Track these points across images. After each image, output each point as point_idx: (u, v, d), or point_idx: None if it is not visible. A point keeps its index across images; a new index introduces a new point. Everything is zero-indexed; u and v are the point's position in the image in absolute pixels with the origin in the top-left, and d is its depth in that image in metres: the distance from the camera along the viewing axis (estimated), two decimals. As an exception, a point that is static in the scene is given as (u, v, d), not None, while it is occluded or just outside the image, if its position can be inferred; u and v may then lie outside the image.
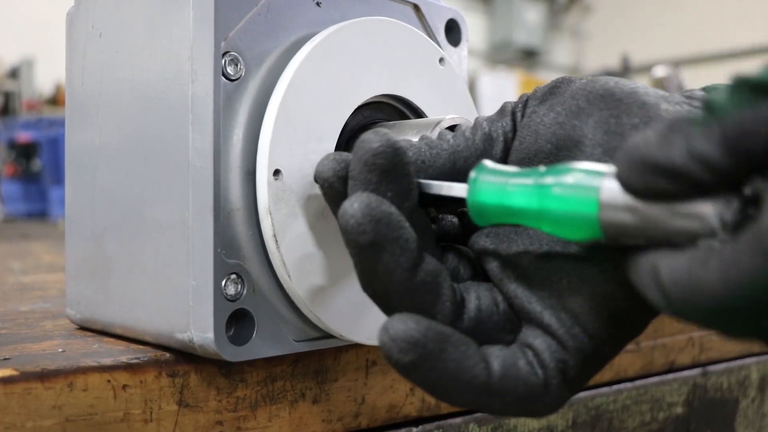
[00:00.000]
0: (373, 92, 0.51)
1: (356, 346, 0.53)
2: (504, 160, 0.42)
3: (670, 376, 0.78)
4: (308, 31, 0.49)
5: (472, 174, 0.38)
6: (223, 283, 0.44)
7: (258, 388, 0.49)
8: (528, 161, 0.41)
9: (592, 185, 0.32)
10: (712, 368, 0.82)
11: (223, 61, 0.45)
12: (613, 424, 0.72)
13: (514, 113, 0.43)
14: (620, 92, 0.39)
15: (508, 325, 0.40)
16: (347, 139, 0.51)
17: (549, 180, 0.34)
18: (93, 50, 0.54)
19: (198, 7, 0.44)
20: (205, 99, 0.44)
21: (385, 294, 0.37)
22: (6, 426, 0.39)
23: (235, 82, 0.45)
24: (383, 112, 0.54)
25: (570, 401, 0.68)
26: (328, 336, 0.50)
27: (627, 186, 0.31)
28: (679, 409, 0.78)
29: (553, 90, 0.42)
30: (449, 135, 0.43)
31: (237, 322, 0.46)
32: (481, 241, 0.41)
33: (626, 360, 0.73)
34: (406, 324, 0.34)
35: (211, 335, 0.44)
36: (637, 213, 0.31)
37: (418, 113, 0.55)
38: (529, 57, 9.08)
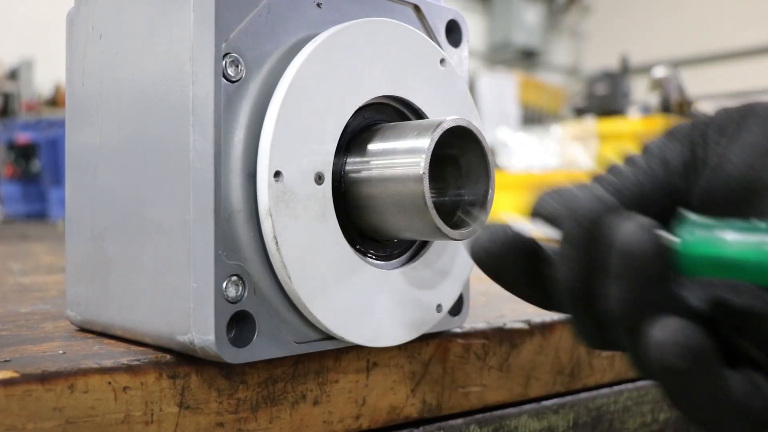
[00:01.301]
0: (374, 93, 0.51)
1: (357, 348, 0.53)
2: (685, 194, 0.41)
3: (671, 377, 0.77)
4: (309, 32, 0.49)
5: (681, 226, 0.37)
6: (224, 284, 0.44)
7: (259, 390, 0.49)
8: (717, 202, 0.40)
9: None
10: (712, 369, 0.82)
11: (224, 62, 0.45)
12: (614, 425, 0.72)
13: (693, 142, 0.42)
14: None
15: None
16: (348, 141, 0.51)
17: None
18: (93, 51, 0.54)
19: (199, 8, 0.44)
20: (205, 100, 0.44)
21: (642, 315, 0.37)
22: (7, 428, 0.39)
23: (236, 83, 0.45)
24: (384, 113, 0.54)
25: (570, 403, 0.68)
26: (329, 337, 0.50)
27: None
28: (679, 410, 0.78)
29: (740, 123, 0.41)
30: (629, 174, 0.41)
31: (238, 323, 0.46)
32: (700, 291, 0.40)
33: (627, 362, 0.72)
34: (689, 330, 0.35)
35: (211, 337, 0.44)
36: None
37: (419, 114, 0.55)
38: (528, 57, 9.08)
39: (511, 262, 0.42)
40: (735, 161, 0.40)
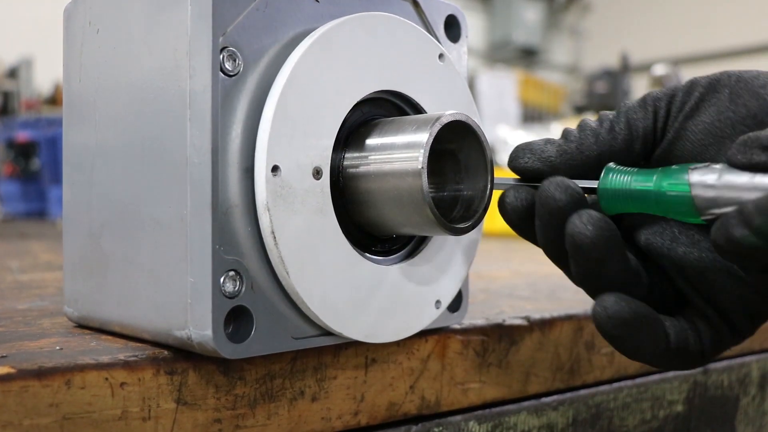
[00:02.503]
0: (372, 88, 0.51)
1: (355, 344, 0.53)
2: (645, 156, 0.49)
3: (671, 373, 0.77)
4: (307, 26, 0.49)
5: (604, 172, 0.47)
6: (222, 280, 0.44)
7: (257, 386, 0.49)
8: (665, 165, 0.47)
9: (686, 171, 0.42)
10: (712, 366, 0.82)
11: (221, 56, 0.44)
12: (614, 422, 0.72)
13: (657, 112, 0.48)
14: (762, 114, 0.44)
15: (676, 300, 0.50)
16: (346, 135, 0.51)
17: (663, 173, 0.44)
18: (90, 46, 0.54)
19: (196, 2, 0.44)
20: (203, 95, 0.44)
21: (599, 284, 0.46)
22: (3, 424, 0.39)
23: (234, 77, 0.45)
24: (382, 108, 0.54)
25: (570, 399, 0.68)
26: (327, 333, 0.50)
27: (733, 163, 0.40)
28: (679, 407, 0.78)
29: (699, 103, 0.46)
30: (591, 135, 0.49)
31: (235, 319, 0.45)
32: (652, 239, 0.49)
33: (627, 358, 0.72)
34: (620, 305, 0.45)
35: (209, 332, 0.43)
36: (723, 186, 0.40)
37: (418, 109, 0.54)
38: (528, 56, 9.08)
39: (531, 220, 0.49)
40: (690, 139, 0.46)
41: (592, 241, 0.44)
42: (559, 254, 0.48)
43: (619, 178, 0.46)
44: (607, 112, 0.50)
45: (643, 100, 0.49)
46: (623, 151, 0.48)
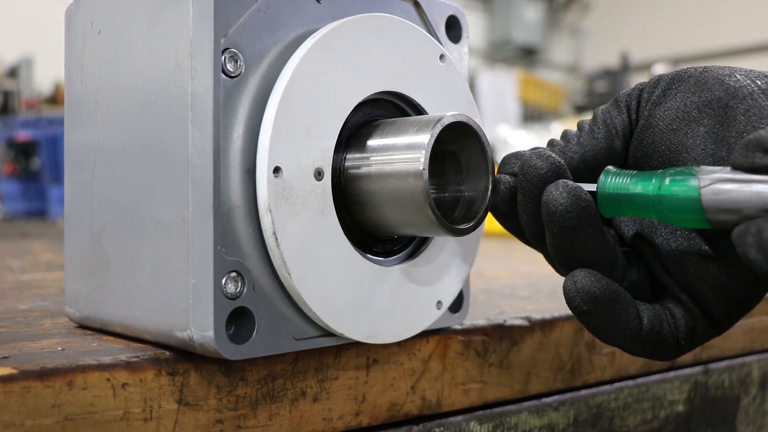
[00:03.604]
0: (374, 89, 0.51)
1: (356, 344, 0.53)
2: (624, 154, 0.50)
3: (672, 373, 0.77)
4: (308, 27, 0.49)
5: (602, 175, 0.47)
6: (223, 281, 0.44)
7: (258, 387, 0.49)
8: (645, 159, 0.48)
9: (693, 175, 0.41)
10: (713, 366, 0.82)
11: (223, 57, 0.44)
12: (615, 422, 0.72)
13: (629, 108, 0.49)
14: (728, 97, 0.45)
15: (653, 288, 0.50)
16: (348, 136, 0.51)
17: (663, 175, 0.43)
18: (92, 47, 0.54)
19: (198, 3, 0.44)
20: (204, 96, 0.44)
21: (573, 258, 0.46)
22: (5, 425, 0.39)
23: (235, 78, 0.45)
24: (384, 109, 0.54)
25: (571, 400, 0.68)
26: (329, 334, 0.50)
27: (736, 165, 0.39)
28: (680, 407, 0.78)
29: (665, 92, 0.48)
30: (573, 140, 0.50)
31: (237, 320, 0.45)
32: (631, 226, 0.50)
33: (627, 358, 0.72)
34: (590, 280, 0.45)
35: (211, 333, 0.43)
36: (735, 190, 0.39)
37: (419, 110, 0.55)
38: (528, 55, 9.07)
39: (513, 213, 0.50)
40: (661, 126, 0.47)
41: (566, 209, 0.44)
42: (537, 231, 0.48)
43: (616, 181, 0.46)
44: (585, 119, 0.51)
45: (615, 100, 0.50)
46: (605, 150, 0.49)
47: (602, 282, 0.45)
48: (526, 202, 0.47)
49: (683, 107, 0.47)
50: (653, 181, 0.44)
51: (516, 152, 0.51)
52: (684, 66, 0.51)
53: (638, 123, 0.49)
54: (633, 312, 0.46)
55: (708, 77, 0.46)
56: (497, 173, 0.51)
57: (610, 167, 0.47)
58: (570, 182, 0.45)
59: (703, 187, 0.41)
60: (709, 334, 0.48)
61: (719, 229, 0.41)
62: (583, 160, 0.49)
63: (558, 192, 0.45)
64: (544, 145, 0.51)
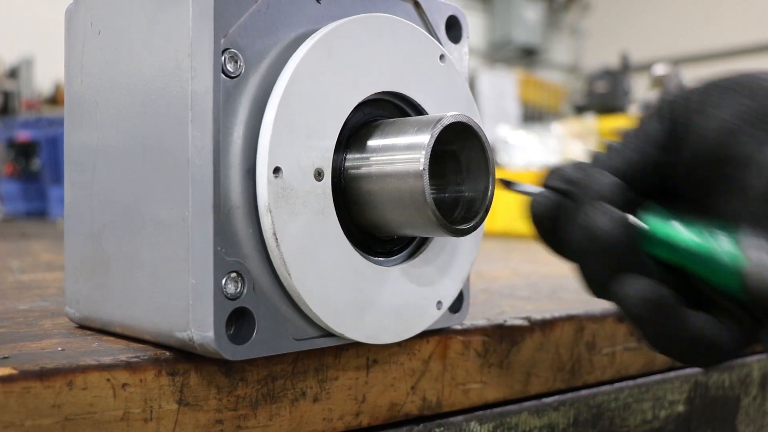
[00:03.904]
0: (374, 89, 0.51)
1: (357, 345, 0.53)
2: (671, 165, 0.48)
3: (672, 374, 0.77)
4: (308, 27, 0.49)
5: (646, 212, 0.46)
6: (223, 281, 0.44)
7: (258, 387, 0.49)
8: (691, 170, 0.47)
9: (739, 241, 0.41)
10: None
11: (223, 57, 0.44)
12: (615, 422, 0.72)
13: (675, 121, 0.47)
14: None
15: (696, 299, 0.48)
16: (348, 137, 0.51)
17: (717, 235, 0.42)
18: (92, 47, 0.54)
19: (197, 3, 0.44)
20: (204, 96, 0.44)
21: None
22: (5, 425, 0.39)
23: (235, 79, 0.45)
24: (384, 109, 0.54)
25: (571, 400, 0.68)
26: (329, 334, 0.50)
27: None
28: (680, 407, 0.78)
29: (717, 100, 0.46)
30: (618, 151, 0.49)
31: (237, 320, 0.45)
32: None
33: (628, 358, 0.72)
34: (641, 283, 0.44)
35: (211, 334, 0.43)
36: None
37: (419, 110, 0.55)
38: (528, 55, 9.07)
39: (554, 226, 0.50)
40: (710, 137, 0.45)
41: (614, 242, 0.44)
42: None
43: (662, 224, 0.45)
44: (628, 129, 0.50)
45: (659, 108, 0.49)
46: (649, 163, 0.48)
47: (654, 286, 0.44)
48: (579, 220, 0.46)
49: (735, 118, 0.45)
50: (707, 237, 0.43)
51: (558, 167, 0.50)
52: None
53: (688, 136, 0.47)
54: (686, 316, 0.45)
55: (752, 83, 0.45)
56: (543, 185, 0.50)
57: (651, 203, 0.46)
58: (622, 214, 0.44)
59: (751, 259, 0.40)
60: (756, 335, 0.47)
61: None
62: (629, 176, 0.48)
63: (607, 221, 0.44)
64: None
